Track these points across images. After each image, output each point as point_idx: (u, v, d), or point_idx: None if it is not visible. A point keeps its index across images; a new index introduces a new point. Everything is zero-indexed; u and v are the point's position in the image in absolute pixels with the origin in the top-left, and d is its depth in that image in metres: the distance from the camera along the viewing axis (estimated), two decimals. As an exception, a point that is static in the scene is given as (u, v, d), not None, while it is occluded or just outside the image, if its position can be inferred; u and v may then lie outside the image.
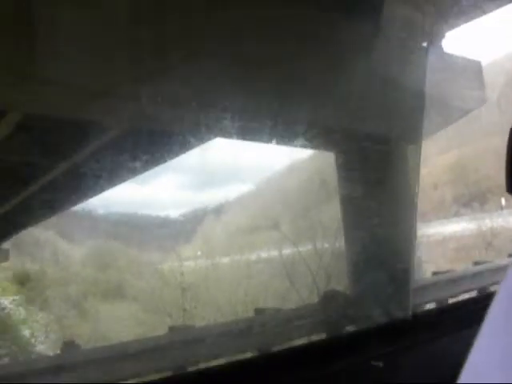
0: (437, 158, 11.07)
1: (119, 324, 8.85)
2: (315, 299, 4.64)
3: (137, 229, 14.27)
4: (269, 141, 4.60)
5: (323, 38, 3.57)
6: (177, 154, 6.41)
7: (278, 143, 4.56)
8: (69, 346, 3.70)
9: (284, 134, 4.29)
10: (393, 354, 2.26)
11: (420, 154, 2.92)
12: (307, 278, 6.72)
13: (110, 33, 3.69)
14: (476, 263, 5.98)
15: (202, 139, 5.86)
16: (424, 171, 12.39)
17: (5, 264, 9.85)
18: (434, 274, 5.72)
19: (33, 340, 9.17)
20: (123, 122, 4.86)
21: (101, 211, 14.96)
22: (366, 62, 3.38)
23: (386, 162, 3.64)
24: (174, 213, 16.16)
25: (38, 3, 3.35)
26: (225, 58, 3.81)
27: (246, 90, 3.91)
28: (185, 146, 5.76)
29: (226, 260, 10.78)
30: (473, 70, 4.88)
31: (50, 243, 12.33)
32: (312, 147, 4.96)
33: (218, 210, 14.31)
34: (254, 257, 9.95)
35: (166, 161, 6.72)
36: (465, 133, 9.87)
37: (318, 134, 3.85)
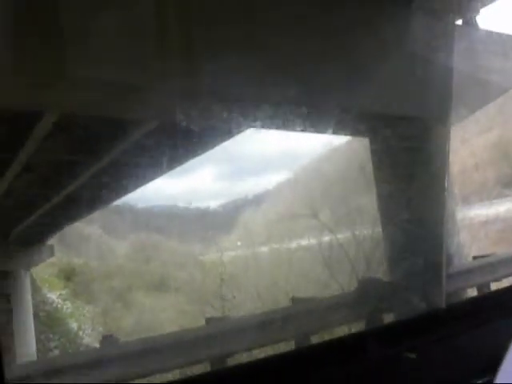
0: (478, 137, 10.81)
1: (163, 315, 8.99)
2: (354, 286, 4.62)
3: (177, 221, 14.43)
4: (304, 129, 4.57)
5: (351, 22, 3.53)
6: (214, 145, 6.43)
7: (312, 131, 4.53)
8: (107, 339, 3.76)
9: (318, 121, 4.25)
10: (426, 346, 2.24)
11: (449, 135, 2.86)
12: (346, 265, 6.68)
13: (141, 29, 3.71)
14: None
15: (235, 130, 5.87)
16: (465, 152, 12.13)
17: (51, 259, 10.09)
18: (475, 258, 5.55)
19: (80, 333, 9.39)
20: (157, 117, 4.91)
21: (141, 205, 15.19)
22: (397, 44, 3.33)
23: (418, 145, 3.58)
24: (213, 204, 16.25)
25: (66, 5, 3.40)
26: (260, 50, 3.80)
27: (280, 79, 3.90)
28: (221, 137, 5.79)
29: (265, 249, 10.79)
30: (511, 47, 4.74)
31: (93, 238, 12.58)
32: (345, 134, 4.92)
33: (257, 200, 14.35)
34: (293, 245, 9.93)
35: (202, 152, 6.76)
36: (506, 111, 9.61)
37: (350, 121, 3.80)
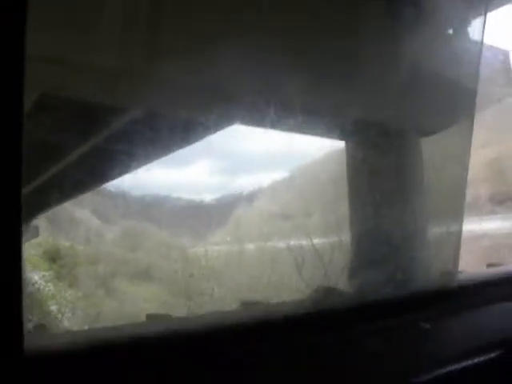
0: (473, 153, 10.71)
1: (143, 304, 8.97)
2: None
3: (169, 212, 14.38)
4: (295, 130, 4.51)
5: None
6: (202, 137, 6.37)
7: (300, 133, 4.46)
8: (39, 329, 3.69)
9: (310, 124, 4.19)
10: (440, 318, 2.32)
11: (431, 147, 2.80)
12: (320, 270, 6.63)
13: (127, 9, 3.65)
14: (489, 265, 5.61)
15: (228, 125, 5.82)
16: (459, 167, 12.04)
17: (37, 241, 10.07)
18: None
19: (60, 316, 9.37)
20: (145, 105, 4.85)
21: (135, 193, 15.10)
22: (381, 47, 3.27)
23: (396, 154, 3.53)
24: (207, 197, 16.16)
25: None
26: (256, 45, 3.74)
27: (276, 78, 3.84)
28: (210, 130, 5.72)
29: (254, 247, 10.76)
30: (500, 60, 4.69)
31: (84, 222, 12.54)
32: (320, 135, 4.87)
33: (251, 197, 14.28)
34: (281, 245, 9.89)
35: (193, 142, 6.70)
36: (505, 128, 9.58)
37: (327, 122, 3.75)
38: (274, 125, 3.89)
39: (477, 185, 9.88)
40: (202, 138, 6.25)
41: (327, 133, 4.14)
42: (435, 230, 3.81)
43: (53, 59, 3.53)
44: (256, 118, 4.49)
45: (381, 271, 3.02)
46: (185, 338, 2.05)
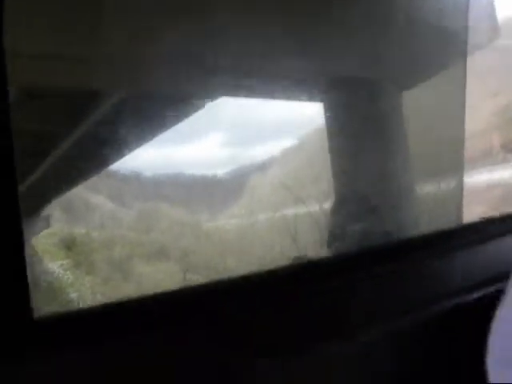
0: (485, 102, 10.48)
1: (161, 284, 8.99)
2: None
3: (183, 189, 14.35)
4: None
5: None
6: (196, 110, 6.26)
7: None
8: None
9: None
10: (442, 256, 2.35)
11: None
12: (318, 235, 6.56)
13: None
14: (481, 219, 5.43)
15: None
16: (471, 117, 11.77)
17: (52, 230, 10.12)
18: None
19: (80, 302, 9.46)
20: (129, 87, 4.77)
21: (148, 173, 15.11)
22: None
23: (375, 109, 3.39)
24: (219, 171, 16.08)
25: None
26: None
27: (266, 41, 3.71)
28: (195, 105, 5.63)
29: (268, 217, 10.70)
30: (483, 4, 4.48)
31: (98, 207, 12.57)
32: (299, 99, 4.70)
33: (263, 167, 14.18)
34: (293, 213, 9.82)
35: (189, 115, 6.61)
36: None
37: (302, 82, 3.60)
38: (256, 91, 3.78)
39: (489, 133, 9.65)
40: (195, 112, 6.16)
41: (304, 95, 4.01)
42: (433, 184, 3.68)
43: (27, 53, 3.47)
44: (243, 86, 4.37)
45: (363, 229, 2.94)
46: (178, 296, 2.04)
